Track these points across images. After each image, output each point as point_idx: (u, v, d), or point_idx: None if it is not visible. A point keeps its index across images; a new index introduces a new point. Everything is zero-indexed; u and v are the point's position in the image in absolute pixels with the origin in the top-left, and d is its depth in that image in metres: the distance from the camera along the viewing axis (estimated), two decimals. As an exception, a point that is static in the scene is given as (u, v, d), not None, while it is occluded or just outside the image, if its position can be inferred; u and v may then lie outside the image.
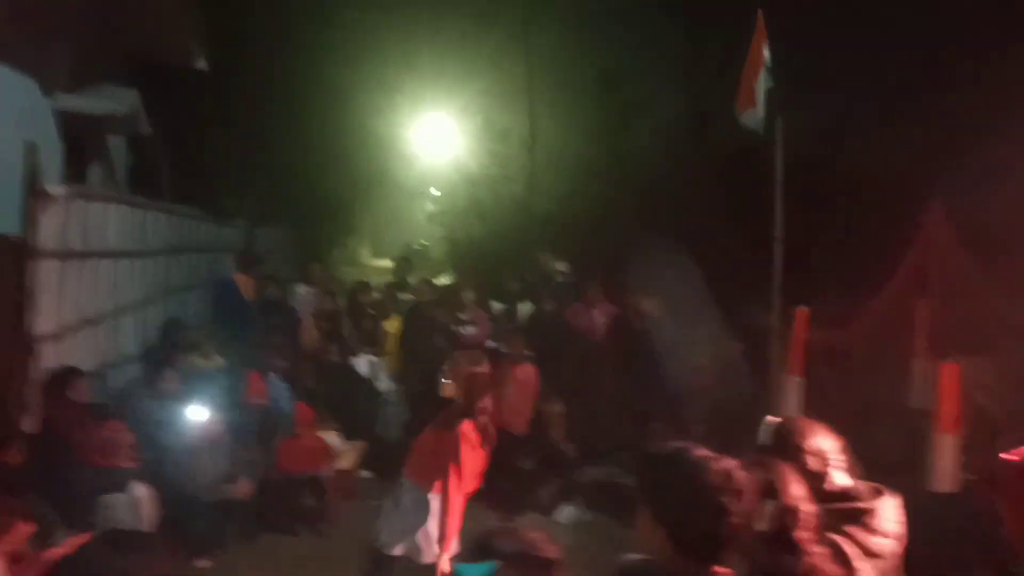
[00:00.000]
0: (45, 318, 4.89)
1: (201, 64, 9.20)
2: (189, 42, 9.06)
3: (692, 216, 9.03)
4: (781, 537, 1.97)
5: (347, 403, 6.76)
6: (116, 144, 9.38)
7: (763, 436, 2.37)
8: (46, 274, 4.86)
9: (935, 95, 5.99)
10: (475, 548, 1.41)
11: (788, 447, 2.28)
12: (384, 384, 7.18)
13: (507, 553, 1.38)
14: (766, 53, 5.39)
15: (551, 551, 1.43)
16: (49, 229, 4.84)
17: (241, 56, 11.62)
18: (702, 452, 1.77)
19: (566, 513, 5.86)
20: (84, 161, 8.27)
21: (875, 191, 5.96)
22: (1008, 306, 4.53)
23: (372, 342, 7.25)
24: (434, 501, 3.92)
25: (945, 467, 3.74)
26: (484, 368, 4.07)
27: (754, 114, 5.45)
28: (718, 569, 1.73)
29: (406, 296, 7.65)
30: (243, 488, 5.26)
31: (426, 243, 28.53)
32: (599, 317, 7.17)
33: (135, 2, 7.61)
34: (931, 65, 6.15)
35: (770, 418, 2.43)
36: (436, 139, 18.59)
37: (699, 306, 6.58)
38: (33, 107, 7.05)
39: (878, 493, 2.30)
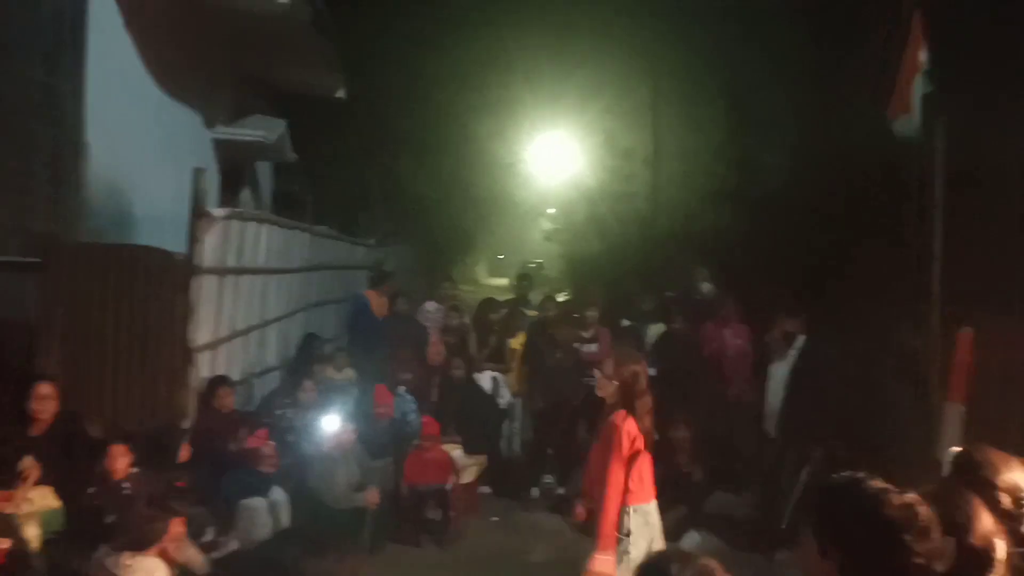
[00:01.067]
0: (203, 330, 5.34)
1: (340, 93, 9.79)
2: (331, 73, 9.67)
3: (829, 232, 8.62)
4: None
5: (470, 418, 6.91)
6: (263, 170, 10.13)
7: (946, 468, 2.20)
8: (206, 289, 5.30)
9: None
10: (647, 570, 1.38)
11: (977, 481, 2.09)
12: (506, 400, 7.29)
13: None
14: (923, 56, 5.14)
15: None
16: (210, 248, 5.28)
17: (373, 85, 12.26)
18: (881, 484, 1.67)
19: (691, 539, 5.73)
20: (237, 186, 8.99)
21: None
22: None
23: (496, 358, 7.39)
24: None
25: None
26: (644, 367, 3.82)
27: (909, 120, 5.19)
28: None
29: (530, 313, 7.74)
30: (372, 497, 5.49)
31: (540, 261, 28.79)
32: (732, 338, 6.99)
33: (288, 39, 8.21)
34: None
35: (955, 448, 2.25)
36: (556, 159, 18.77)
37: (845, 328, 6.28)
38: (196, 138, 7.76)
39: None
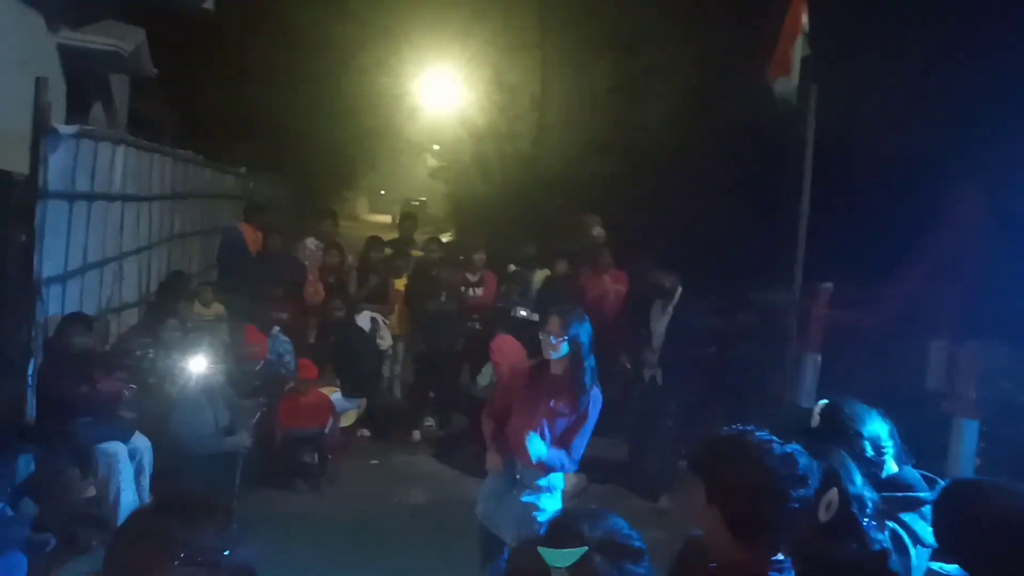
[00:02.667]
0: (50, 261, 4.78)
1: (208, 4, 8.92)
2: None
3: (704, 189, 8.89)
4: (846, 526, 1.93)
5: (349, 361, 6.70)
6: (119, 85, 9.15)
7: (815, 419, 2.31)
8: (53, 216, 4.73)
9: (972, 70, 5.85)
10: (557, 529, 1.32)
11: (843, 432, 2.22)
12: (387, 343, 7.12)
13: (593, 538, 1.29)
14: (805, 19, 5.23)
15: (637, 539, 1.35)
16: (56, 169, 4.70)
17: (246, 6, 11.32)
18: (765, 435, 1.73)
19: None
20: (87, 101, 8.07)
21: (901, 168, 5.87)
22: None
23: (378, 299, 7.16)
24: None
25: (964, 452, 3.74)
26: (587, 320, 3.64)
27: (788, 81, 5.30)
28: None
29: (415, 254, 7.53)
30: (242, 441, 5.23)
31: (424, 199, 28.27)
32: (613, 284, 7.10)
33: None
34: (967, 36, 5.98)
35: (822, 401, 2.36)
36: (442, 93, 18.24)
37: (713, 280, 6.52)
38: (36, 42, 6.84)
39: (932, 483, 2.26)
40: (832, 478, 1.97)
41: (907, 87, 6.24)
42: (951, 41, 6.51)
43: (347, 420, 6.36)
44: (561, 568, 1.26)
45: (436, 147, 19.26)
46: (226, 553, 1.19)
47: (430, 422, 6.99)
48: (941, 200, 5.08)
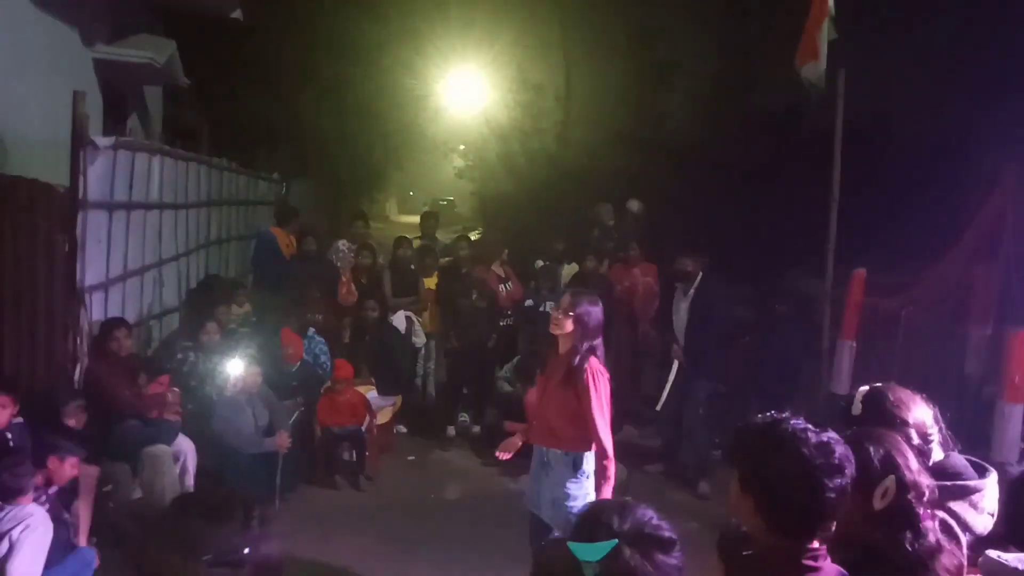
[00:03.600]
0: (92, 269, 4.93)
1: (236, 13, 9.08)
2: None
3: (732, 179, 8.82)
4: (900, 514, 1.88)
5: (385, 359, 6.78)
6: (153, 96, 9.36)
7: (856, 407, 2.26)
8: (93, 225, 4.87)
9: (1007, 45, 5.71)
10: (586, 523, 1.33)
11: (887, 418, 2.15)
12: (421, 341, 7.18)
13: (623, 530, 1.29)
14: (831, 2, 5.16)
15: (667, 528, 1.34)
16: (95, 180, 4.83)
17: (274, 9, 11.49)
18: (800, 423, 1.70)
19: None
20: (123, 112, 8.27)
21: (936, 150, 5.75)
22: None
23: (410, 297, 7.22)
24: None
25: (1010, 437, 3.67)
26: (599, 306, 3.70)
27: (816, 67, 5.24)
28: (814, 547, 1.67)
29: (443, 261, 7.58)
30: (282, 440, 5.32)
31: (451, 199, 28.32)
32: (642, 276, 7.10)
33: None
34: (999, 11, 5.84)
35: (863, 388, 2.31)
36: (467, 92, 18.29)
37: (744, 270, 6.46)
38: (73, 57, 7.02)
39: (983, 470, 2.20)
40: (889, 465, 1.91)
41: (939, 65, 6.11)
42: (983, 16, 6.37)
43: (384, 417, 6.43)
44: (591, 562, 1.25)
45: (462, 147, 19.30)
46: (246, 551, 1.22)
47: (464, 417, 7.04)
48: (979, 181, 4.97)
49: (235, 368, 5.47)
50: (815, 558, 1.67)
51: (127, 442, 4.76)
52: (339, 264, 7.39)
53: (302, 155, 13.37)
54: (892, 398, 2.25)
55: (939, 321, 5.05)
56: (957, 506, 2.16)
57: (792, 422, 1.73)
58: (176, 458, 4.98)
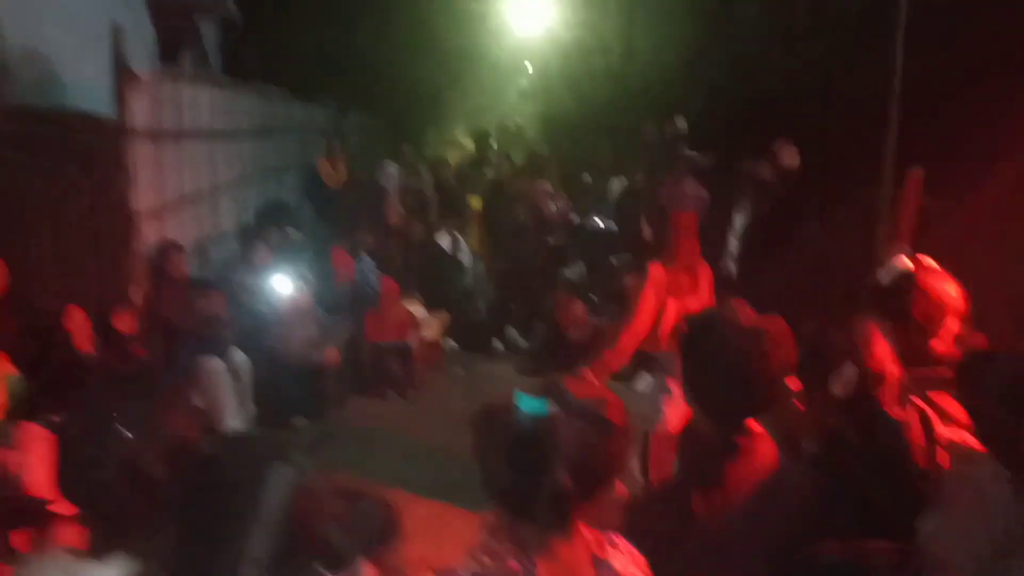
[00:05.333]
0: (145, 196, 5.21)
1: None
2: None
3: (800, 83, 8.32)
4: (861, 403, 1.88)
5: (431, 277, 6.95)
6: (207, 29, 9.56)
7: (884, 276, 2.21)
8: (143, 153, 5.12)
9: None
10: (543, 389, 1.32)
11: (908, 291, 2.16)
12: (466, 258, 7.31)
13: (569, 402, 1.29)
14: None
15: (617, 416, 1.31)
16: (140, 110, 5.06)
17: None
18: (737, 314, 1.67)
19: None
20: (177, 47, 8.50)
21: (999, 41, 5.25)
22: None
23: (456, 217, 7.34)
24: None
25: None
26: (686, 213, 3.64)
27: None
28: (751, 424, 1.67)
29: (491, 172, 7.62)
30: (331, 355, 5.60)
31: (518, 121, 27.84)
32: (693, 191, 6.91)
33: None
34: None
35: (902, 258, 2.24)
36: (529, 10, 17.78)
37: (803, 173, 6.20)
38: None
39: None
40: (849, 352, 1.90)
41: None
42: None
43: (431, 333, 6.64)
44: (521, 411, 1.28)
45: (528, 65, 18.88)
46: None
47: (513, 332, 7.18)
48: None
49: (286, 287, 5.75)
50: (749, 438, 1.67)
51: (184, 356, 5.11)
52: (387, 186, 7.54)
53: (360, 84, 13.42)
54: (919, 268, 2.19)
55: (998, 220, 4.74)
56: (939, 395, 2.12)
57: (730, 312, 1.70)
58: (232, 372, 5.32)
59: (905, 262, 2.23)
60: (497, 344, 7.08)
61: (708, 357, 1.66)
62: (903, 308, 2.18)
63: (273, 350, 5.57)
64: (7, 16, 5.08)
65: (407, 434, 5.38)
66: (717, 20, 12.51)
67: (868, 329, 1.97)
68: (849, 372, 1.91)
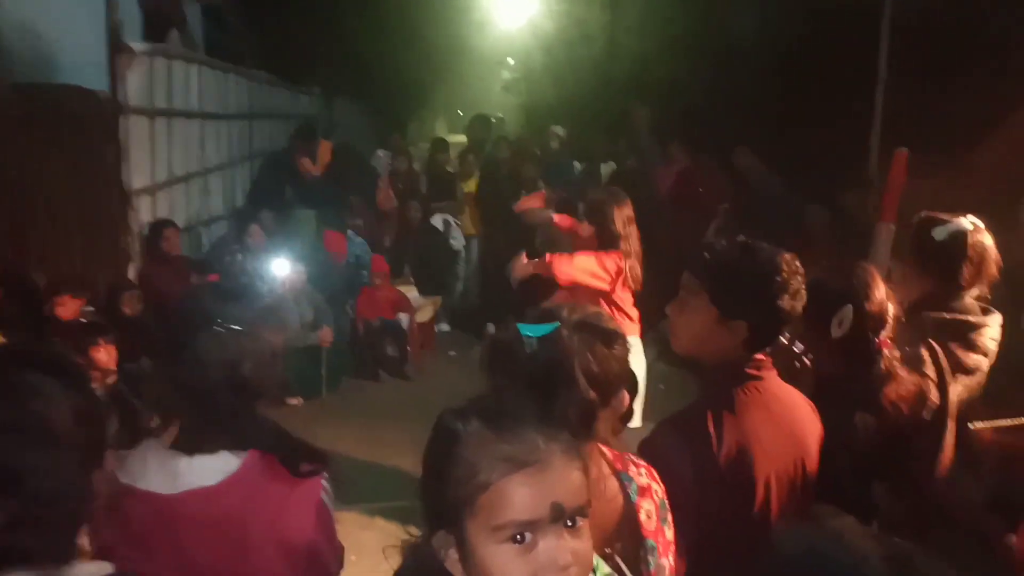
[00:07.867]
0: (138, 174, 5.17)
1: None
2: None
3: (790, 77, 8.44)
4: (858, 343, 1.91)
5: (424, 260, 6.96)
6: (193, 13, 9.45)
7: (939, 232, 2.26)
8: (136, 130, 5.08)
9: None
10: (540, 312, 1.37)
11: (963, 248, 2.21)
12: (458, 242, 7.32)
13: (569, 320, 1.35)
14: None
15: (613, 324, 1.40)
16: (134, 86, 5.01)
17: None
18: (755, 242, 1.70)
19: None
20: (164, 29, 8.40)
21: (986, 26, 5.38)
22: None
23: (448, 201, 7.34)
24: None
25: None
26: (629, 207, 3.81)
27: None
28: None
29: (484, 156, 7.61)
30: (325, 335, 5.60)
31: (501, 115, 27.78)
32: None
33: None
34: None
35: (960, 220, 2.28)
36: (512, 2, 17.80)
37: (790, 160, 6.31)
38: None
39: (986, 311, 2.22)
40: (848, 294, 1.93)
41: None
42: None
43: (424, 315, 6.65)
44: (532, 338, 1.32)
45: (510, 60, 18.90)
46: None
47: (505, 316, 7.20)
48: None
49: (280, 268, 5.73)
50: (758, 368, 1.69)
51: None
52: (377, 171, 7.53)
53: (345, 72, 13.35)
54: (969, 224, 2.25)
55: (985, 202, 4.85)
56: (954, 343, 2.18)
57: (746, 239, 1.72)
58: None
59: (962, 223, 2.30)
60: (490, 328, 7.09)
61: (738, 275, 1.66)
62: (955, 264, 2.23)
63: (266, 330, 5.54)
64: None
65: (400, 415, 5.39)
66: (701, 9, 12.62)
67: (868, 273, 2.01)
68: (846, 313, 1.93)
